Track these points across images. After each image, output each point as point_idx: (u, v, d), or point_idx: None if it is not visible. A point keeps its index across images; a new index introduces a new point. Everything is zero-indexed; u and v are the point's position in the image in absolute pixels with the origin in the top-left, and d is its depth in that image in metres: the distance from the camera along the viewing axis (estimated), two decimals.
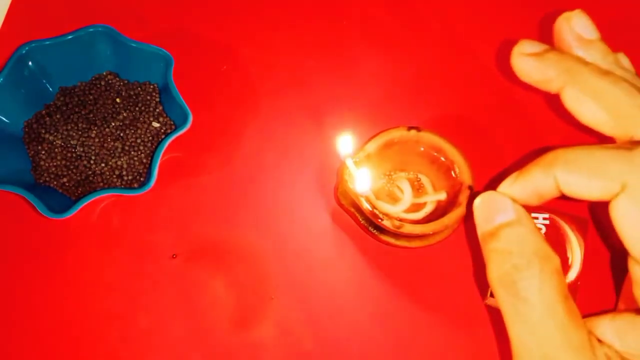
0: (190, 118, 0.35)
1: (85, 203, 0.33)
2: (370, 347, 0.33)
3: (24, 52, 0.36)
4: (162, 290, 0.35)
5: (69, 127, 0.36)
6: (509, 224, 0.22)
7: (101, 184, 0.36)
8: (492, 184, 0.37)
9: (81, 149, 0.36)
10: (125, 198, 0.37)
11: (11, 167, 0.35)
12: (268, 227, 0.36)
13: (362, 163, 0.32)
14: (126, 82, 0.39)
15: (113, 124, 0.37)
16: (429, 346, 0.33)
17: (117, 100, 0.38)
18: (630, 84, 0.22)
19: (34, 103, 0.37)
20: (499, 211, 0.22)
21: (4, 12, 0.43)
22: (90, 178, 0.36)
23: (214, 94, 0.40)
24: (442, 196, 0.33)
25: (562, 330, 0.20)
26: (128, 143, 0.36)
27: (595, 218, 0.34)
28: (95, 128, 0.36)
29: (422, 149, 0.33)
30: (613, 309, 0.26)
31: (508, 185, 0.24)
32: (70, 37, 0.36)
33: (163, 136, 0.37)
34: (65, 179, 0.36)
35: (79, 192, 0.36)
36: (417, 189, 0.34)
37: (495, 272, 0.22)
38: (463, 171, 0.32)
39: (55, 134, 0.36)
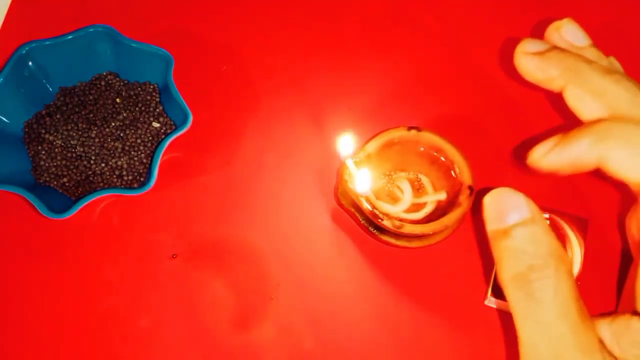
0: (190, 118, 0.35)
1: (85, 203, 0.33)
2: (370, 347, 0.33)
3: (24, 52, 0.36)
4: (162, 290, 0.35)
5: (69, 127, 0.36)
6: (524, 222, 0.21)
7: (101, 184, 0.36)
8: (494, 184, 0.37)
9: (81, 149, 0.36)
10: (125, 198, 0.37)
11: (11, 167, 0.35)
12: (268, 227, 0.36)
13: (362, 163, 0.32)
14: (126, 82, 0.39)
15: (113, 124, 0.37)
16: (429, 346, 0.33)
17: (117, 100, 0.38)
18: (633, 83, 0.22)
19: (34, 103, 0.37)
20: (512, 209, 0.22)
21: (4, 12, 0.43)
22: (91, 178, 0.36)
23: (214, 94, 0.40)
24: (442, 196, 0.33)
25: (575, 331, 0.20)
26: (128, 143, 0.36)
27: (595, 218, 0.34)
28: (96, 128, 0.36)
29: (422, 149, 0.33)
30: (613, 310, 0.26)
31: (547, 150, 0.23)
32: (70, 37, 0.36)
33: (163, 136, 0.37)
34: (65, 179, 0.36)
35: (79, 192, 0.36)
36: (417, 189, 0.34)
37: (509, 272, 0.21)
38: (463, 171, 0.32)
39: (55, 134, 0.36)
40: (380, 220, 0.31)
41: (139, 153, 0.36)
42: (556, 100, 0.39)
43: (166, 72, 0.36)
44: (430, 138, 0.33)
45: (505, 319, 0.33)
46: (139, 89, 0.38)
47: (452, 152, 0.32)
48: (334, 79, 0.40)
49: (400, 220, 0.31)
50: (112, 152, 0.36)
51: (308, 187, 0.37)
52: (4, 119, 0.36)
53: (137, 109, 0.37)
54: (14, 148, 0.36)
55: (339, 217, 0.36)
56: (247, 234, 0.36)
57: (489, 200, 0.22)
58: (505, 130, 0.38)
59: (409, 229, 0.31)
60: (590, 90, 0.22)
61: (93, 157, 0.36)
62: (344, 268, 0.35)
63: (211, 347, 0.33)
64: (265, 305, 0.34)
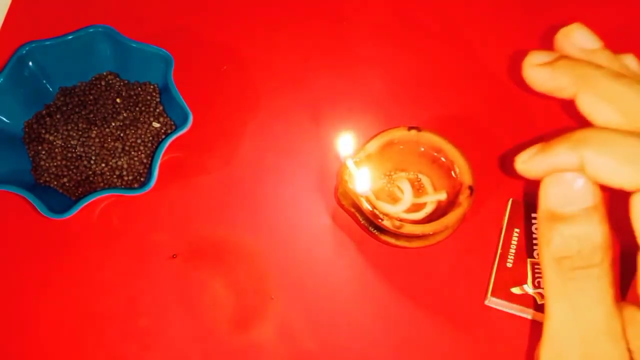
0: (191, 118, 0.35)
1: (85, 203, 0.33)
2: (370, 347, 0.33)
3: (24, 52, 0.36)
4: (162, 290, 0.35)
5: (69, 127, 0.36)
6: (587, 211, 0.21)
7: (101, 184, 0.36)
8: (494, 184, 0.37)
9: (81, 149, 0.36)
10: (125, 198, 0.37)
11: (11, 167, 0.35)
12: (268, 227, 0.36)
13: (362, 163, 0.32)
14: (126, 82, 0.39)
15: (113, 124, 0.37)
16: (429, 346, 0.33)
17: (117, 100, 0.38)
18: None
19: (34, 103, 0.37)
20: (579, 195, 0.21)
21: (4, 12, 0.43)
22: (91, 178, 0.36)
23: (214, 94, 0.40)
24: (442, 196, 0.33)
25: (609, 317, 0.20)
26: (128, 143, 0.36)
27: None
28: (96, 128, 0.36)
29: (422, 149, 0.33)
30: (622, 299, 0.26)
31: (528, 157, 0.23)
32: (70, 37, 0.36)
33: (163, 136, 0.37)
34: (65, 179, 0.36)
35: (79, 192, 0.36)
36: (418, 189, 0.34)
37: (555, 254, 0.21)
38: (463, 171, 0.32)
39: (55, 134, 0.36)
40: (380, 220, 0.31)
41: (139, 153, 0.36)
42: (556, 100, 0.39)
43: (166, 72, 0.36)
44: (430, 138, 0.33)
45: (505, 319, 0.33)
46: (139, 89, 0.38)
47: (452, 152, 0.32)
48: (334, 79, 0.40)
49: (400, 220, 0.31)
50: (112, 152, 0.36)
51: (308, 187, 0.37)
52: (4, 119, 0.36)
53: (137, 109, 0.37)
54: (14, 148, 0.36)
55: (339, 217, 0.36)
56: (247, 234, 0.36)
57: (553, 180, 0.22)
58: (505, 130, 0.38)
59: (409, 229, 0.31)
60: (601, 95, 0.22)
61: (93, 157, 0.36)
62: (344, 268, 0.35)
63: (211, 347, 0.33)
64: (265, 305, 0.34)
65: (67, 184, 0.36)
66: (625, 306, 0.23)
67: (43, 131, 0.37)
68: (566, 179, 0.22)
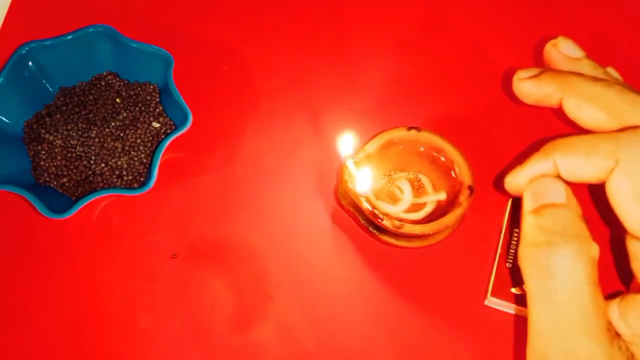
0: (190, 118, 0.35)
1: (85, 203, 0.33)
2: (370, 347, 0.33)
3: (24, 52, 0.36)
4: (162, 290, 0.35)
5: (69, 127, 0.36)
6: (556, 205, 0.22)
7: (101, 184, 0.36)
8: (494, 184, 0.37)
9: (81, 149, 0.36)
10: (125, 198, 0.37)
11: (11, 167, 0.35)
12: (268, 227, 0.36)
13: (362, 163, 0.32)
14: (126, 82, 0.39)
15: (113, 124, 0.37)
16: (429, 346, 0.33)
17: (117, 100, 0.38)
18: (620, 85, 0.24)
19: (34, 103, 0.37)
20: (551, 194, 0.23)
21: (4, 12, 0.43)
22: (90, 178, 0.36)
23: (214, 94, 0.40)
24: (442, 196, 0.33)
25: (584, 314, 0.20)
26: (128, 143, 0.36)
27: (594, 217, 0.34)
28: (95, 128, 0.37)
29: (422, 149, 0.33)
30: (623, 291, 0.26)
31: (514, 174, 0.25)
32: (70, 37, 0.36)
33: (163, 136, 0.37)
34: (65, 179, 0.36)
35: (79, 192, 0.36)
36: (417, 189, 0.34)
37: (527, 245, 0.22)
38: (463, 171, 0.32)
39: (55, 134, 0.36)
40: (380, 220, 0.31)
41: (139, 153, 0.36)
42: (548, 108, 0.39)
43: (166, 72, 0.36)
44: (430, 138, 0.33)
45: (505, 319, 0.33)
46: (139, 89, 0.38)
47: (452, 152, 0.32)
48: (334, 79, 0.40)
49: (400, 220, 0.31)
50: (112, 152, 0.36)
51: (308, 187, 0.37)
52: (4, 119, 0.36)
53: (137, 109, 0.37)
54: (14, 148, 0.36)
55: (339, 217, 0.36)
56: (247, 234, 0.36)
57: (530, 186, 0.24)
58: (505, 130, 0.38)
59: (409, 229, 0.31)
60: (584, 97, 0.25)
61: (93, 157, 0.36)
62: (344, 268, 0.35)
63: (211, 347, 0.33)
64: (265, 305, 0.34)
65: (67, 184, 0.36)
66: (626, 295, 0.23)
67: (43, 131, 0.37)
68: (540, 180, 0.24)
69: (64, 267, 0.35)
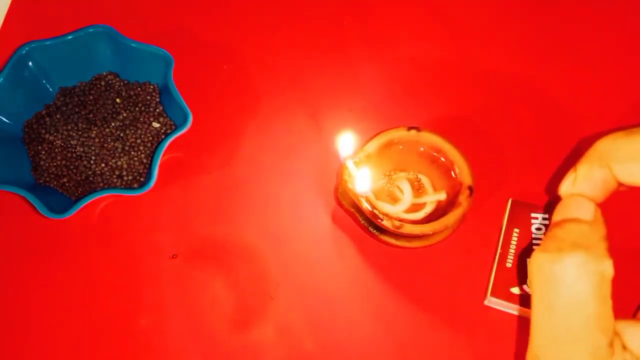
0: (190, 118, 0.35)
1: (85, 203, 0.33)
2: (369, 347, 0.33)
3: (24, 52, 0.36)
4: (162, 290, 0.35)
5: (69, 127, 0.36)
6: (580, 221, 0.22)
7: (101, 184, 0.36)
8: (494, 184, 0.37)
9: (81, 149, 0.36)
10: (125, 198, 0.37)
11: (11, 167, 0.35)
12: (268, 227, 0.36)
13: (362, 163, 0.32)
14: (126, 82, 0.39)
15: (113, 124, 0.37)
16: (429, 346, 0.33)
17: (117, 100, 0.38)
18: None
19: (34, 103, 0.37)
20: (578, 210, 0.22)
21: (4, 12, 0.43)
22: (90, 178, 0.36)
23: (214, 94, 0.40)
24: (442, 196, 0.33)
25: (584, 326, 0.20)
26: (128, 143, 0.36)
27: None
28: (95, 128, 0.36)
29: (422, 149, 0.33)
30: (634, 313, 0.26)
31: (570, 185, 0.24)
32: (70, 37, 0.37)
33: (163, 136, 0.37)
34: (65, 179, 0.36)
35: (79, 192, 0.36)
36: (417, 189, 0.34)
37: (538, 252, 0.21)
38: (463, 171, 0.32)
39: (55, 134, 0.36)
40: (380, 220, 0.31)
41: (139, 153, 0.36)
42: (555, 104, 0.39)
43: (166, 72, 0.36)
44: (430, 138, 0.33)
45: (505, 318, 0.33)
46: (139, 89, 0.38)
47: (452, 152, 0.32)
48: (334, 79, 0.40)
49: (400, 220, 0.31)
50: (112, 152, 0.36)
51: (308, 187, 0.37)
52: (4, 119, 0.36)
53: (137, 109, 0.37)
54: (14, 148, 0.36)
55: (339, 217, 0.36)
56: (247, 234, 0.36)
57: (560, 203, 0.23)
58: (505, 130, 0.38)
59: (409, 229, 0.31)
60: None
61: (93, 157, 0.36)
62: (344, 268, 0.35)
63: (211, 347, 0.33)
64: (265, 305, 0.34)
65: (67, 184, 0.36)
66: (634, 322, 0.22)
67: (43, 131, 0.37)
68: (570, 199, 0.23)
69: (64, 267, 0.35)
